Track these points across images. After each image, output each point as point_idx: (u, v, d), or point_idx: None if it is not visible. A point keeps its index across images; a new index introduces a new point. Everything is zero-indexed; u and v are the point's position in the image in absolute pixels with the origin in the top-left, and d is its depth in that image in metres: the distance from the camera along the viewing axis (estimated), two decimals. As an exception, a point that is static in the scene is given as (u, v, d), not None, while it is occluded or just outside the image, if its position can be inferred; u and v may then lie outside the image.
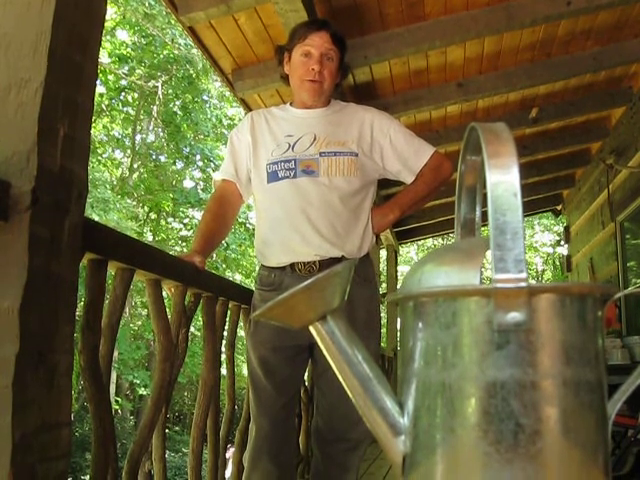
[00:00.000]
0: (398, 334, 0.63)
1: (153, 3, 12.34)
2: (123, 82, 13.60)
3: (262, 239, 1.86)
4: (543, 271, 18.70)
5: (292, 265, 1.77)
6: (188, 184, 14.73)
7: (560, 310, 0.50)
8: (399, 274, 7.55)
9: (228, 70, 3.20)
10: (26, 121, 0.93)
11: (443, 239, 14.01)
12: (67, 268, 1.00)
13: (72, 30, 1.02)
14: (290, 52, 1.85)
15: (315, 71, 1.79)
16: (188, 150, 14.07)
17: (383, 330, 5.84)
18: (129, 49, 13.21)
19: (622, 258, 5.04)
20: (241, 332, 2.22)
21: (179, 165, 14.84)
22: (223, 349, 1.97)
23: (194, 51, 12.43)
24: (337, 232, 1.77)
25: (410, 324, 0.55)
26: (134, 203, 13.56)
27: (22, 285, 0.88)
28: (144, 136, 15.21)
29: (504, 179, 0.48)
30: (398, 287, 6.29)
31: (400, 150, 1.86)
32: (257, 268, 1.93)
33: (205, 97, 14.16)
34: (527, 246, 15.00)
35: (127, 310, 12.80)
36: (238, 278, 14.68)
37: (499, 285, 0.47)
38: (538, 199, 6.62)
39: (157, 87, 13.49)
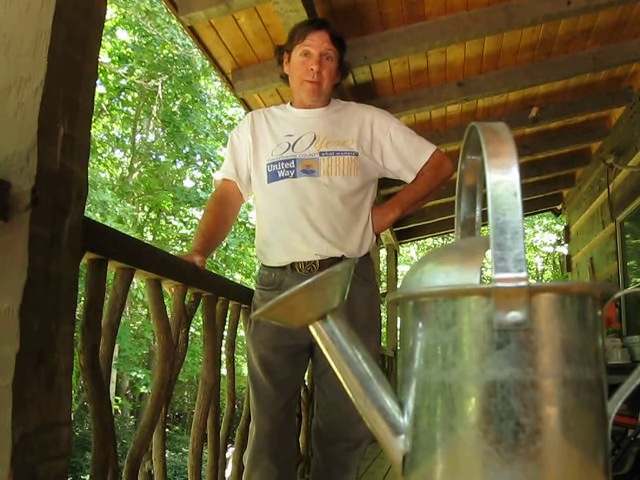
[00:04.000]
0: (398, 334, 0.63)
1: (155, 1, 12.33)
2: (123, 82, 13.59)
3: (262, 239, 1.86)
4: (543, 271, 18.70)
5: (292, 264, 1.77)
6: (188, 184, 14.73)
7: (560, 309, 0.50)
8: (399, 274, 7.55)
9: (228, 70, 3.20)
10: (26, 121, 0.93)
11: (443, 239, 14.00)
12: (67, 268, 1.00)
13: (72, 30, 1.02)
14: (290, 52, 1.85)
15: (314, 71, 1.79)
16: (188, 150, 14.07)
17: (383, 330, 5.85)
18: (129, 49, 13.20)
19: (622, 258, 5.04)
20: (241, 332, 2.21)
21: (179, 165, 14.84)
22: (223, 349, 1.97)
23: (194, 51, 12.43)
24: (337, 231, 1.76)
25: (410, 324, 0.55)
26: (133, 207, 13.51)
27: (22, 285, 0.88)
28: (144, 136, 15.21)
29: (504, 179, 0.48)
30: (398, 287, 6.28)
31: (400, 149, 1.85)
32: (257, 268, 1.93)
33: (204, 97, 14.15)
34: (527, 245, 14.98)
35: (127, 310, 12.80)
36: (238, 278, 14.67)
37: (499, 284, 0.47)
38: (538, 199, 6.62)
39: (157, 87, 13.48)
